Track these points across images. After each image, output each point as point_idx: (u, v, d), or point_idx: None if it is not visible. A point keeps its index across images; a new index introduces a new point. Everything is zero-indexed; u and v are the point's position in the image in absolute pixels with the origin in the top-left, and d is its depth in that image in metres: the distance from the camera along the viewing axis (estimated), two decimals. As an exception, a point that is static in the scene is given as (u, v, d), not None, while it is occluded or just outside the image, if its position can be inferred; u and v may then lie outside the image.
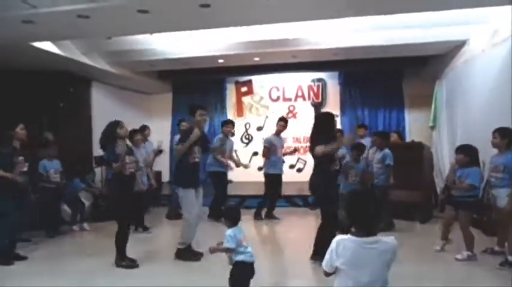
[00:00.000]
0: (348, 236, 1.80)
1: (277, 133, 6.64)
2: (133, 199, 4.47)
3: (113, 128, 4.35)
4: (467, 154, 4.36)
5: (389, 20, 5.78)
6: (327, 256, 1.85)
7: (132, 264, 4.21)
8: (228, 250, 3.05)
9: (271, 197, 6.66)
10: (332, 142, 4.02)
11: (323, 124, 4.24)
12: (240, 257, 3.04)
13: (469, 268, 4.05)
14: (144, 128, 6.72)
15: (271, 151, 6.48)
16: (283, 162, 6.79)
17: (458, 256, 4.23)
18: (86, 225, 6.21)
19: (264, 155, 6.65)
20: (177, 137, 5.77)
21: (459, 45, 6.66)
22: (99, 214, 6.66)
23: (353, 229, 1.82)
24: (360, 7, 4.75)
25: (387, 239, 1.80)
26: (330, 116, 4.34)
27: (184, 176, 4.42)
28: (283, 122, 6.69)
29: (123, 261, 4.20)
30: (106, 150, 4.25)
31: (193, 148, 4.42)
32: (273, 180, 6.53)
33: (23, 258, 4.47)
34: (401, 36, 6.38)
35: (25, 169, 4.62)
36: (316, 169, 4.22)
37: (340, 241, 1.78)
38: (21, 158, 4.60)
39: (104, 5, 4.27)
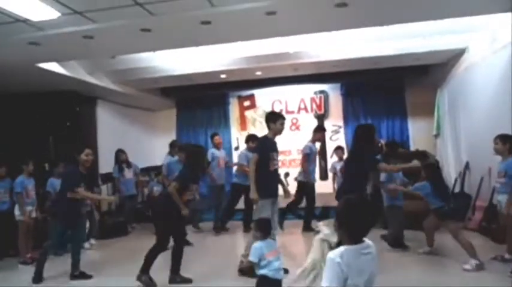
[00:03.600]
0: (343, 247, 1.71)
1: (217, 147, 7.07)
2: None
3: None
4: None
5: (388, 31, 5.83)
6: (331, 273, 1.64)
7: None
8: (251, 263, 3.12)
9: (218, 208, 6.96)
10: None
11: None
12: (262, 271, 3.07)
13: (480, 276, 3.99)
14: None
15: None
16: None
17: (466, 266, 4.14)
18: (92, 241, 6.26)
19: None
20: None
21: (459, 53, 6.70)
22: (105, 231, 6.66)
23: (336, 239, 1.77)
24: (359, 19, 4.82)
25: (371, 243, 1.78)
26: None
27: None
28: (218, 135, 7.28)
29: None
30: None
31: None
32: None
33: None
34: (401, 46, 6.44)
35: None
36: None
37: (342, 253, 1.67)
38: None
39: (108, 25, 4.38)
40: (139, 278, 4.04)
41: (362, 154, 4.26)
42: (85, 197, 4.38)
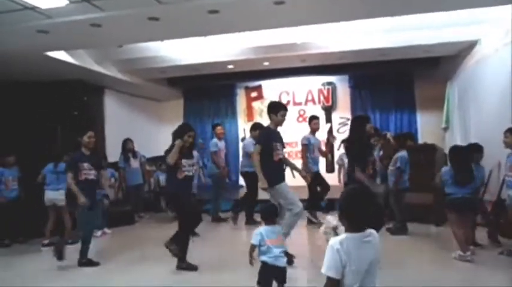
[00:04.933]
0: (344, 235, 1.73)
1: (219, 138, 6.93)
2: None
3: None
4: (448, 155, 4.60)
5: (399, 22, 5.77)
6: (329, 260, 1.67)
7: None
8: (252, 247, 3.14)
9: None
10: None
11: None
12: (262, 257, 3.11)
13: (486, 270, 3.97)
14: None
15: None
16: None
17: (453, 254, 4.27)
18: (106, 229, 6.29)
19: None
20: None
21: (471, 46, 6.60)
22: (111, 220, 6.69)
23: (340, 226, 1.77)
24: (370, 9, 4.76)
25: (373, 231, 1.78)
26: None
27: None
28: (220, 126, 7.13)
29: None
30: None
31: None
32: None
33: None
34: (411, 37, 6.36)
35: None
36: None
37: (342, 240, 1.70)
38: None
39: (115, 14, 4.37)
40: (180, 267, 4.17)
41: (353, 145, 4.24)
42: (69, 185, 4.51)
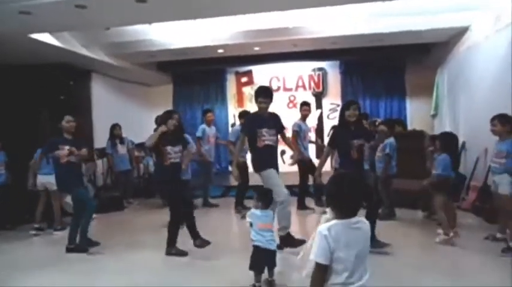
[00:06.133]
0: (333, 221, 1.73)
1: (208, 124, 6.89)
2: None
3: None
4: (440, 141, 4.50)
5: (390, 7, 5.71)
6: (318, 247, 1.67)
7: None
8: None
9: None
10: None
11: None
12: (254, 239, 3.18)
13: (471, 255, 4.05)
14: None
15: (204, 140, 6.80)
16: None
17: (436, 239, 4.35)
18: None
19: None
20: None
21: (461, 32, 6.60)
22: (100, 205, 6.62)
23: (328, 211, 1.78)
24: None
25: (363, 218, 1.79)
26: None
27: None
28: (210, 112, 7.05)
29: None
30: None
31: None
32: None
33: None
34: (402, 23, 6.32)
35: None
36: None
37: (330, 226, 1.70)
38: None
39: (101, -5, 4.24)
40: (169, 253, 4.19)
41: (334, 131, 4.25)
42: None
